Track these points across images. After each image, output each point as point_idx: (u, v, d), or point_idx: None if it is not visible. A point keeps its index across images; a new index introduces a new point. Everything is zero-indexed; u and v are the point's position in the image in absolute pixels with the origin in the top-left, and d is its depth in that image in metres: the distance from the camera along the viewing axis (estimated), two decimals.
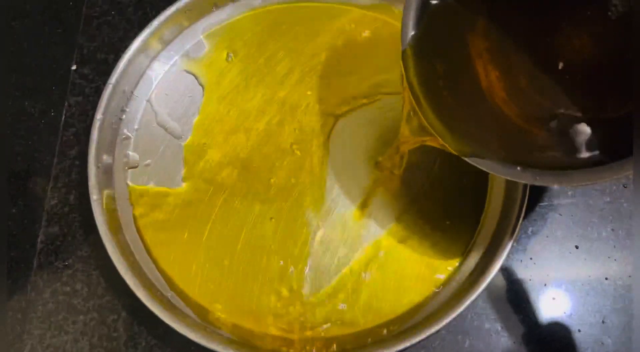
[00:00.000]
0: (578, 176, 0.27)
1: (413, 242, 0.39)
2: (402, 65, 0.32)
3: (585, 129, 0.30)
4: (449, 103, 0.32)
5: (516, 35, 0.34)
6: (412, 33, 0.32)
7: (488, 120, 0.32)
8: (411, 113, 0.33)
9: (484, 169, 0.30)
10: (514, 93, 0.33)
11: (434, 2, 0.32)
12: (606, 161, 0.26)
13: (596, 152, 0.28)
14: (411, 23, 0.32)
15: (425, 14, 0.32)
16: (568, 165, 0.28)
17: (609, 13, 0.30)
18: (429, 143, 0.34)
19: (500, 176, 0.30)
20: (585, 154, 0.29)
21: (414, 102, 0.32)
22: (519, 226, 0.37)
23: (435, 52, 0.33)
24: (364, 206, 0.40)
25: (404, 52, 0.32)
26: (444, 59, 0.33)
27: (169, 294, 0.38)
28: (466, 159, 0.31)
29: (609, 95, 0.31)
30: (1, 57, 0.45)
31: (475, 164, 0.30)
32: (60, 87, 0.45)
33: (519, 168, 0.29)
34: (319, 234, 0.40)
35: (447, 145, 0.31)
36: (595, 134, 0.29)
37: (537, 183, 0.28)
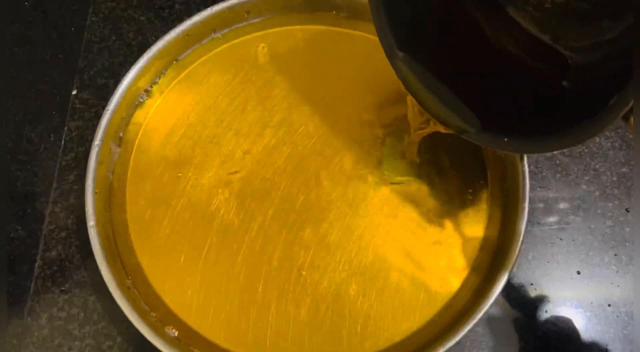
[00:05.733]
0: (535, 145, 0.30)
1: (410, 267, 0.39)
2: (393, 68, 0.34)
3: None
4: (448, 71, 0.34)
5: None
6: (393, 38, 0.33)
7: (497, 67, 0.34)
8: (413, 103, 0.35)
9: (478, 142, 0.33)
10: (517, 33, 0.34)
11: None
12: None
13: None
14: (388, 29, 0.33)
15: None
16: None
17: None
18: (434, 128, 0.36)
19: (492, 147, 0.34)
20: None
21: (411, 96, 0.34)
22: (517, 251, 0.36)
23: (426, 33, 0.34)
24: (360, 233, 0.40)
25: (391, 55, 0.33)
26: (439, 31, 0.34)
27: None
28: (462, 135, 0.33)
29: (602, 18, 0.32)
30: (2, 83, 0.46)
31: (469, 139, 0.33)
32: (61, 112, 0.46)
33: (505, 139, 0.31)
34: (316, 258, 0.39)
35: (443, 126, 0.34)
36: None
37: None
